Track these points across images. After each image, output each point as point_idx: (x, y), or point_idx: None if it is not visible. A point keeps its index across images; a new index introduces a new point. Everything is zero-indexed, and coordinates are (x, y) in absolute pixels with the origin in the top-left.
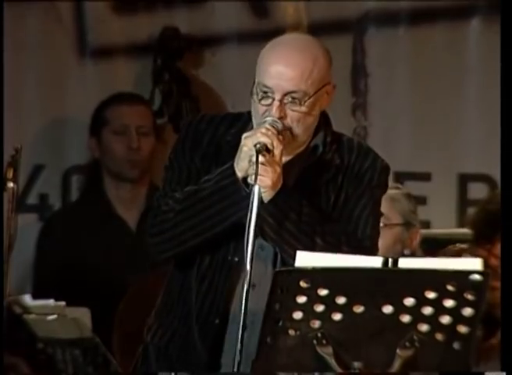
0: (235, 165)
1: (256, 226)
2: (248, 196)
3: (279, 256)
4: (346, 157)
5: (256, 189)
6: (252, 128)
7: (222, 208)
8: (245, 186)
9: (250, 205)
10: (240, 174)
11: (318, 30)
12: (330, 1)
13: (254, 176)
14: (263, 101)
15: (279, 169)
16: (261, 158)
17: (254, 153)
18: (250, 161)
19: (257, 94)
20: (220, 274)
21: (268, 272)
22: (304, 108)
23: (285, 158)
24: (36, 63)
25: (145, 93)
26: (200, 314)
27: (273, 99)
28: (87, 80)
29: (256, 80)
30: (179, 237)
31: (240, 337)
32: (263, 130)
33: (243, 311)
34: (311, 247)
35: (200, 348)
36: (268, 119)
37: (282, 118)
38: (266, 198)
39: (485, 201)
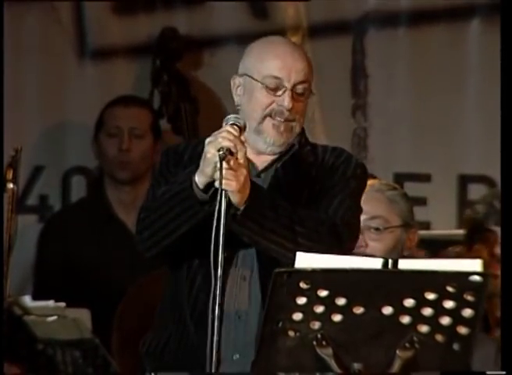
0: (199, 170)
1: (234, 233)
2: (206, 201)
3: None
4: (321, 155)
5: (223, 193)
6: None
7: (180, 212)
8: (207, 190)
9: (217, 212)
10: (204, 180)
11: (317, 31)
12: (330, 2)
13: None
14: (274, 92)
15: (245, 172)
16: (225, 164)
17: (218, 159)
18: (215, 167)
19: (264, 86)
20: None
21: (255, 263)
22: (306, 101)
23: (272, 157)
24: (35, 64)
25: (144, 94)
26: (194, 310)
27: (284, 89)
28: (87, 81)
29: (258, 75)
30: (155, 235)
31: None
32: (224, 134)
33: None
34: (293, 236)
35: (198, 344)
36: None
37: (291, 109)
38: (237, 200)
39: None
